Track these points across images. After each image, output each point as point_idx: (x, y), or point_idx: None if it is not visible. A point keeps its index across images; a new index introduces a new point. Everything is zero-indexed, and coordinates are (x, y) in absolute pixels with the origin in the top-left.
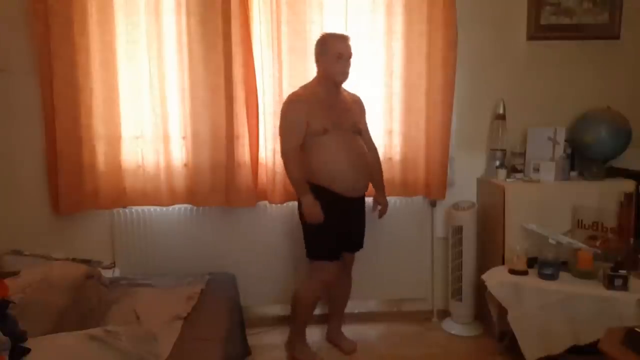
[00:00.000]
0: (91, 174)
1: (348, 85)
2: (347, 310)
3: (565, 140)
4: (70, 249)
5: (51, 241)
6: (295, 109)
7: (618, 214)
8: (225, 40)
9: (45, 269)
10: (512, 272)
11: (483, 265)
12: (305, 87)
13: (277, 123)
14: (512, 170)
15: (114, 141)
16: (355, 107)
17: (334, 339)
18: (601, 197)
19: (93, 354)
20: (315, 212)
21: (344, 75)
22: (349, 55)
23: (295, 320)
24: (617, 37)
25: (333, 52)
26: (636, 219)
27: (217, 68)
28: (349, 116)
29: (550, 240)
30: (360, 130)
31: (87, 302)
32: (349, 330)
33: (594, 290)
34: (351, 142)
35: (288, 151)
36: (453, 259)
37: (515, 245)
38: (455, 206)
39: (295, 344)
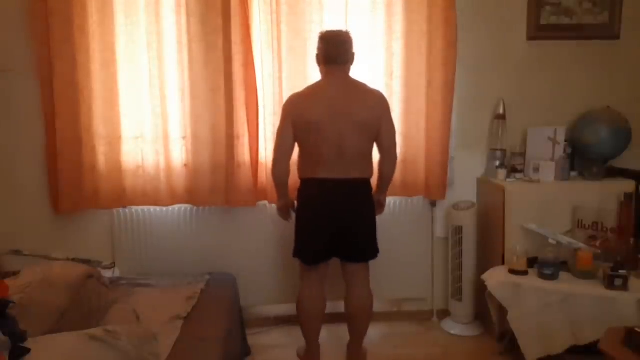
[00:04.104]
0: (91, 174)
1: None
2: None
3: (565, 140)
4: (70, 249)
5: (51, 241)
6: None
7: (618, 214)
8: (225, 40)
9: (45, 269)
10: (512, 272)
11: (483, 265)
12: None
13: (277, 123)
14: (512, 170)
15: (114, 141)
16: None
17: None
18: (601, 197)
19: (93, 354)
20: None
21: None
22: None
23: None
24: (617, 37)
25: None
26: (636, 219)
27: (217, 68)
28: None
29: (550, 240)
30: None
31: (87, 302)
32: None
33: (594, 290)
34: None
35: None
36: (453, 259)
37: (515, 245)
38: (455, 206)
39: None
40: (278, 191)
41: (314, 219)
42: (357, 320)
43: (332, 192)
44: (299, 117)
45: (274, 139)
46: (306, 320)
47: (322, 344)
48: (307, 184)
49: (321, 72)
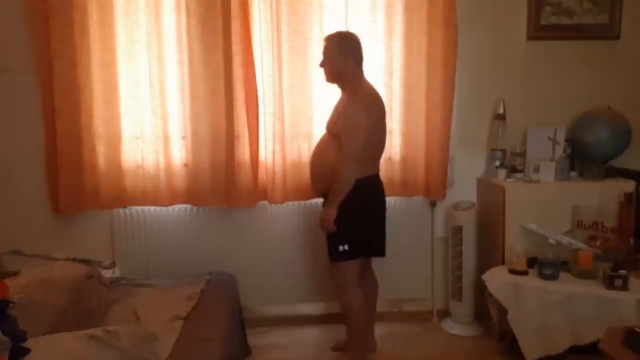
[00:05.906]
0: (91, 174)
1: None
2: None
3: (565, 140)
4: (70, 249)
5: (51, 241)
6: None
7: (618, 214)
8: (225, 40)
9: (45, 269)
10: (512, 272)
11: (483, 265)
12: None
13: (277, 123)
14: (512, 170)
15: (114, 141)
16: (340, 107)
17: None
18: (601, 197)
19: (93, 354)
20: None
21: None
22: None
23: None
24: (617, 37)
25: None
26: (636, 219)
27: (217, 68)
28: (331, 116)
29: (550, 240)
30: (332, 131)
31: (87, 302)
32: None
33: (594, 290)
34: (319, 142)
35: None
36: (453, 259)
37: (515, 245)
38: (455, 206)
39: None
40: (341, 196)
41: (376, 212)
42: (374, 300)
43: (381, 186)
44: (377, 115)
45: (274, 139)
46: (364, 324)
47: (319, 345)
48: (366, 181)
49: (355, 71)
